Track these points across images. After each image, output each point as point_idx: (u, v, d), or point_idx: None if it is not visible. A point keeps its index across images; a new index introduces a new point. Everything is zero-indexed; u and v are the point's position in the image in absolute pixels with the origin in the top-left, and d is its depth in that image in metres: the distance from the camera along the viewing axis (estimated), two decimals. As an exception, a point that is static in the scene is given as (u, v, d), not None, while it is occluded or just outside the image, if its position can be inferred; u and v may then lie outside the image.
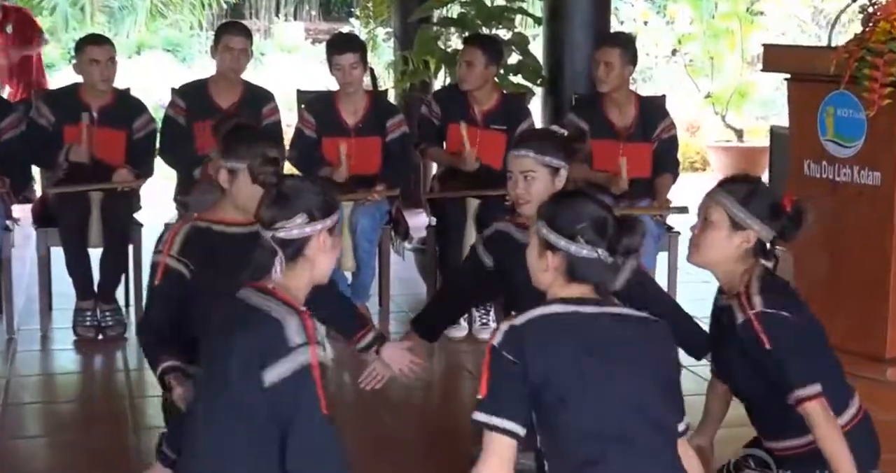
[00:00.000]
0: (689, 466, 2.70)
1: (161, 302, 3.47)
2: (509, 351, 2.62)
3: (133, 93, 6.04)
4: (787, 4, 12.38)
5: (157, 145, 5.84)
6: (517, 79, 6.76)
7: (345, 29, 12.30)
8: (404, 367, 3.67)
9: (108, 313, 5.59)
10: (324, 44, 6.24)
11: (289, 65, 14.93)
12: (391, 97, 7.45)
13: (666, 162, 5.73)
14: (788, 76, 5.29)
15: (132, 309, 5.77)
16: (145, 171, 5.70)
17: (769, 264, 3.16)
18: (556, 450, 2.62)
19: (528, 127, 5.82)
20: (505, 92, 6.08)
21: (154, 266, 3.48)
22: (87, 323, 5.57)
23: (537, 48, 6.92)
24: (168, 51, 15.77)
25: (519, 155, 3.62)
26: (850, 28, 6.53)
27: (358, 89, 5.73)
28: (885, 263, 4.89)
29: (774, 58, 5.38)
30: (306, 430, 2.64)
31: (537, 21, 7.13)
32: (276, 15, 17.99)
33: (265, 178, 2.90)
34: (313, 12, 18.47)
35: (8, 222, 5.54)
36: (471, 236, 5.54)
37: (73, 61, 5.81)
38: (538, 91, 6.76)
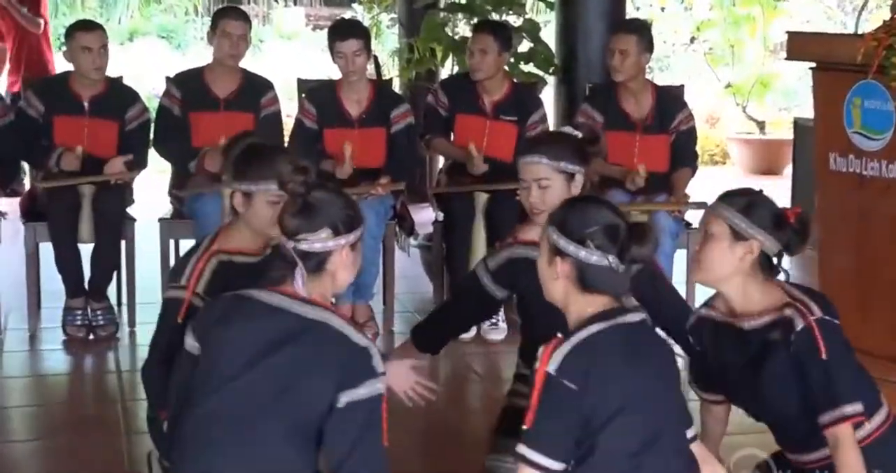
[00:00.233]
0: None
1: (178, 341, 3.22)
2: (570, 378, 2.63)
3: (126, 81, 6.04)
4: (811, -10, 12.39)
5: (151, 136, 5.83)
6: (528, 67, 6.76)
7: (347, 14, 12.32)
8: (408, 390, 3.48)
9: (99, 312, 5.60)
10: (325, 30, 6.24)
11: (289, 52, 14.93)
12: (396, 86, 7.46)
13: (684, 155, 5.73)
14: (813, 65, 5.27)
15: (124, 308, 5.77)
16: (139, 164, 5.70)
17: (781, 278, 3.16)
18: (589, 467, 2.65)
19: (539, 118, 5.82)
20: (515, 81, 6.08)
21: (175, 302, 3.37)
22: (78, 323, 5.58)
23: (549, 35, 6.91)
24: (162, 37, 15.77)
25: (532, 161, 3.50)
26: (877, 14, 6.54)
27: (361, 78, 5.73)
28: (915, 262, 4.87)
29: (798, 46, 5.36)
30: (369, 457, 2.72)
31: (549, 6, 7.12)
32: (276, 0, 17.99)
33: (294, 188, 2.89)
34: (314, -3, 18.47)
35: (-5, 216, 5.57)
36: (479, 233, 5.54)
37: (63, 49, 5.81)
38: (550, 80, 6.75)
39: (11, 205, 6.16)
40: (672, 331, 3.49)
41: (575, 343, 2.67)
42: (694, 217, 5.60)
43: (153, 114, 5.89)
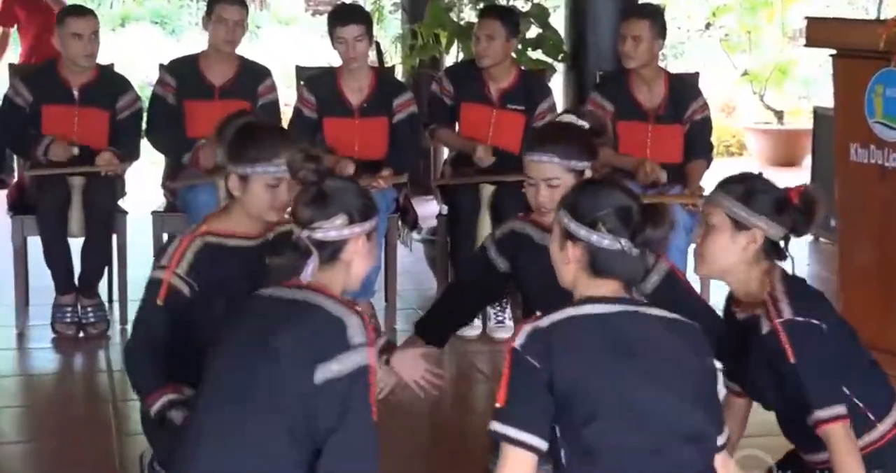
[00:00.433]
0: None
1: (159, 324, 3.36)
2: (533, 355, 2.62)
3: (117, 69, 6.04)
4: (832, -27, 12.37)
5: (144, 126, 5.84)
6: (536, 54, 6.75)
7: (348, -1, 12.28)
8: (418, 378, 3.49)
9: (89, 308, 5.60)
10: (325, 15, 6.24)
11: (287, 38, 14.91)
12: (399, 74, 7.45)
13: (698, 146, 5.73)
14: (833, 52, 5.27)
15: (115, 305, 5.77)
16: (130, 154, 5.70)
17: (784, 265, 3.15)
18: (580, 465, 2.62)
19: (548, 107, 5.82)
20: (523, 68, 6.08)
21: (155, 283, 3.36)
22: (67, 320, 5.58)
23: (558, 20, 6.91)
24: (155, 23, 15.76)
25: (541, 160, 3.50)
26: (901, -1, 6.53)
27: (362, 65, 5.73)
28: (938, 256, 4.87)
29: (818, 32, 5.35)
30: (353, 432, 2.70)
31: (558, -9, 7.12)
32: (274, -16, 17.98)
33: (306, 176, 2.89)
34: (314, -19, 18.46)
35: (-19, 209, 5.58)
36: (485, 226, 5.54)
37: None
38: (559, 67, 6.75)
39: (-1, 197, 6.17)
40: None
41: (546, 322, 2.66)
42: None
43: (146, 103, 5.89)
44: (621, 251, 2.73)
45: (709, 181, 5.62)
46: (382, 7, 9.68)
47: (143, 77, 9.25)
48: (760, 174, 3.21)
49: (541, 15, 6.81)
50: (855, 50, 5.10)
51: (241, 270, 3.36)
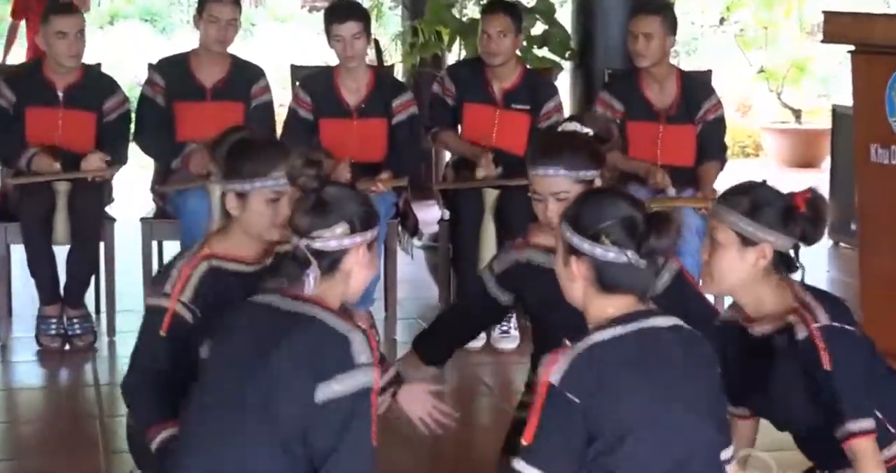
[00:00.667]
0: None
1: (161, 355, 3.32)
2: (573, 390, 2.60)
3: (105, 69, 6.04)
4: (851, -34, 12.35)
5: (132, 129, 5.83)
6: (542, 52, 6.75)
7: (346, -5, 12.28)
8: (425, 416, 3.44)
9: (75, 320, 5.60)
10: (322, 12, 6.24)
11: (282, 36, 14.94)
12: (398, 73, 7.46)
13: (712, 147, 5.72)
14: (852, 48, 5.26)
15: (103, 316, 5.77)
16: (118, 159, 5.68)
17: (796, 276, 3.14)
18: None
19: (554, 107, 5.81)
20: (528, 67, 6.07)
21: (158, 312, 3.33)
22: (52, 332, 5.58)
23: (565, 17, 6.90)
24: (146, 20, 15.80)
25: (546, 174, 3.45)
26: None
27: (360, 64, 5.73)
28: (963, 261, 4.86)
29: (836, 27, 5.34)
30: (353, 455, 2.71)
31: (565, -14, 7.13)
32: (269, -20, 18.01)
33: (306, 182, 2.89)
34: (310, -23, 18.48)
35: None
36: (489, 232, 5.54)
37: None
38: (566, 66, 6.75)
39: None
40: None
41: (582, 350, 2.65)
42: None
43: (134, 105, 5.88)
44: (628, 263, 2.72)
45: (723, 184, 5.63)
46: (381, 3, 9.70)
47: (132, 77, 9.27)
48: (764, 181, 3.18)
49: (547, 11, 6.81)
50: (875, 45, 5.08)
51: (241, 297, 3.31)
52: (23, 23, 8.80)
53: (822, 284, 6.60)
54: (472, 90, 5.84)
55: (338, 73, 5.76)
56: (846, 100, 6.37)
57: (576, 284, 2.78)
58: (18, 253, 5.65)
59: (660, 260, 2.78)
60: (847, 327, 3.04)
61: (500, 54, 5.73)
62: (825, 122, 9.53)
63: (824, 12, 5.45)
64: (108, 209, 5.77)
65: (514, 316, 5.60)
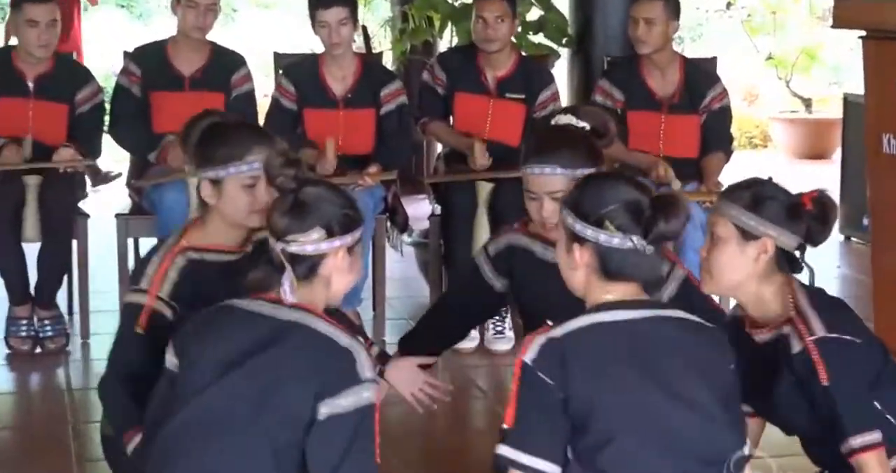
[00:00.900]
0: None
1: (137, 354, 3.30)
2: (546, 371, 2.61)
3: (78, 58, 6.02)
4: (863, -53, 12.37)
5: (106, 120, 5.82)
6: (538, 38, 6.75)
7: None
8: (416, 391, 3.47)
9: (47, 321, 5.59)
10: (306, -3, 6.23)
11: (265, 22, 14.93)
12: (387, 61, 7.44)
13: (716, 137, 5.73)
14: (864, 34, 5.27)
15: (76, 317, 5.77)
16: (92, 151, 5.69)
17: (801, 277, 3.13)
18: None
19: (549, 96, 5.81)
20: (523, 54, 6.07)
21: (134, 308, 3.33)
22: (23, 334, 5.57)
23: (562, 1, 6.90)
24: (122, 6, 15.78)
25: (542, 173, 3.47)
26: (938, -25, 6.51)
27: (347, 51, 5.72)
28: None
29: (846, 11, 5.35)
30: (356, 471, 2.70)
31: (562, -31, 7.12)
32: (251, -37, 18.00)
33: (284, 183, 2.88)
34: (295, -40, 18.48)
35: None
36: (482, 227, 5.54)
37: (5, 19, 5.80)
38: (564, 53, 6.74)
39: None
40: None
41: (560, 332, 2.65)
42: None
43: (109, 95, 5.87)
44: (634, 249, 2.72)
45: (729, 176, 5.64)
46: (369, -13, 9.69)
47: (107, 67, 9.24)
48: (770, 179, 3.18)
49: (543, -5, 6.81)
50: (888, 31, 5.08)
51: (224, 287, 3.31)
52: None
53: (833, 281, 6.64)
54: (464, 79, 5.84)
55: (323, 61, 5.76)
56: (858, 88, 6.37)
57: (578, 272, 2.78)
58: (-14, 252, 5.65)
59: (665, 262, 2.77)
60: (845, 337, 3.03)
61: (498, 40, 5.72)
62: (836, 112, 9.53)
63: (834, -4, 5.45)
64: (81, 204, 5.77)
65: (509, 316, 5.61)
